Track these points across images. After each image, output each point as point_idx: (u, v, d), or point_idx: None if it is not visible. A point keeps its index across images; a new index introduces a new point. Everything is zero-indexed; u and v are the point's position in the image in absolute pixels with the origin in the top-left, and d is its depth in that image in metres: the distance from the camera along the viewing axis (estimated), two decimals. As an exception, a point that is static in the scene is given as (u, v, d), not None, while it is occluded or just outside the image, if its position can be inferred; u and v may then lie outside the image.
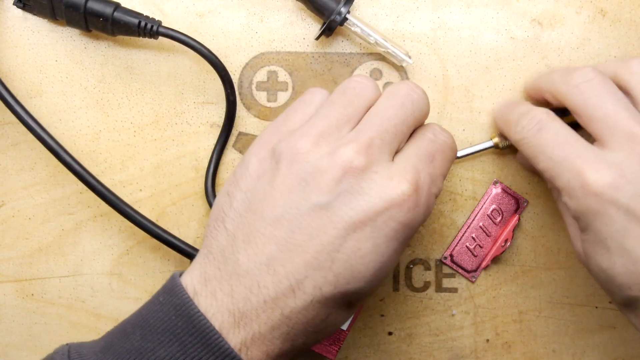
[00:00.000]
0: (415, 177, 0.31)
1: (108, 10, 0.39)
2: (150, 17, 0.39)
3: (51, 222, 0.42)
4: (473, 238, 0.42)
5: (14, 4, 0.40)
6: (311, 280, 0.30)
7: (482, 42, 0.42)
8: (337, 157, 0.31)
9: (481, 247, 0.42)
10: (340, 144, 0.31)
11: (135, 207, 0.40)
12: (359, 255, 0.30)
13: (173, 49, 0.42)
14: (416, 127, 0.35)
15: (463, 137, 0.42)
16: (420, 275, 0.43)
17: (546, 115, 0.35)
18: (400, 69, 0.42)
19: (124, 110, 0.42)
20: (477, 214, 0.42)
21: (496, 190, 0.42)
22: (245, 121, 0.42)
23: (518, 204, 0.42)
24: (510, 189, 0.42)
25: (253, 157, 0.33)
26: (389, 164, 0.32)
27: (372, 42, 0.40)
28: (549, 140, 0.34)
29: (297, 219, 0.30)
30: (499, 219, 0.42)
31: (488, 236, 0.42)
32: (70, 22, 0.39)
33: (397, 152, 0.33)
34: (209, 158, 0.42)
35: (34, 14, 0.41)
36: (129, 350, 0.30)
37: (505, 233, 0.42)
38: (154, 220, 0.41)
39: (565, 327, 0.43)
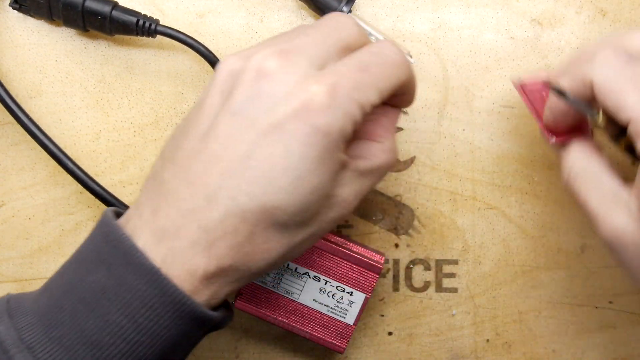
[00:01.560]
0: (333, 80, 0.29)
1: (106, 8, 0.39)
2: (149, 15, 0.39)
3: (51, 222, 0.42)
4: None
5: (9, 5, 0.40)
6: (225, 190, 0.28)
7: (482, 42, 0.42)
8: (252, 60, 0.30)
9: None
10: (257, 50, 0.30)
11: (135, 207, 0.40)
12: (272, 162, 0.28)
13: (173, 48, 0.42)
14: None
15: (463, 137, 0.42)
16: (420, 275, 0.43)
17: (630, 52, 0.32)
18: (400, 69, 0.42)
19: (124, 110, 0.42)
20: None
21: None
22: (245, 121, 0.42)
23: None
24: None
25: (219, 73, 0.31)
26: (307, 70, 0.29)
27: (373, 41, 0.40)
28: (632, 77, 0.31)
29: (214, 128, 0.29)
30: None
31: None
32: (68, 21, 0.39)
33: None
34: (209, 158, 0.42)
35: (30, 15, 0.41)
36: (61, 284, 0.30)
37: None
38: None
39: (565, 327, 0.43)
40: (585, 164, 0.35)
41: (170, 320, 0.29)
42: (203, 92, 0.31)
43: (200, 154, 0.29)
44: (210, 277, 0.29)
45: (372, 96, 0.30)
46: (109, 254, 0.29)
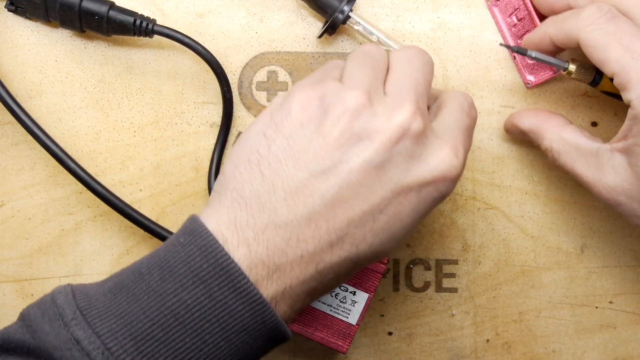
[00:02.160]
0: (462, 151, 0.31)
1: (103, 9, 0.39)
2: (145, 15, 0.39)
3: (51, 222, 0.42)
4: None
5: (5, 7, 0.40)
6: (350, 238, 0.29)
7: (482, 42, 0.42)
8: (395, 117, 0.30)
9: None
10: (394, 105, 0.30)
11: (135, 207, 0.40)
12: (399, 219, 0.30)
13: (173, 48, 0.42)
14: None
15: (463, 137, 0.42)
16: (420, 275, 0.43)
17: (614, 8, 0.34)
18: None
19: (124, 110, 0.42)
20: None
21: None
22: (245, 121, 0.42)
23: None
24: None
25: (296, 104, 0.31)
26: (435, 131, 0.31)
27: (374, 40, 0.40)
28: (625, 28, 0.33)
29: (347, 174, 0.29)
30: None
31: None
32: (64, 22, 0.39)
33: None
34: (209, 158, 0.42)
35: (26, 17, 0.41)
36: (146, 291, 0.28)
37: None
38: (154, 220, 0.41)
39: (565, 327, 0.43)
40: (561, 139, 0.37)
41: (262, 343, 0.29)
42: (319, 119, 0.30)
43: (327, 196, 0.29)
44: (303, 305, 0.31)
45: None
46: (209, 273, 0.28)
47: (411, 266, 0.43)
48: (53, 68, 0.42)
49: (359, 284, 0.38)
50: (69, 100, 0.42)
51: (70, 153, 0.40)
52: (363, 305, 0.39)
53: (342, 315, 0.39)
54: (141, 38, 0.41)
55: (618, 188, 0.34)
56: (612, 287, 0.43)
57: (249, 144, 0.31)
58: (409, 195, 0.30)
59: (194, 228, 0.29)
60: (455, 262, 0.43)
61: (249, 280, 0.28)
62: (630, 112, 0.34)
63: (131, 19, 0.39)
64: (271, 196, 0.29)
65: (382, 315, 0.43)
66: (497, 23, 0.41)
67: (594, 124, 0.42)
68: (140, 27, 0.39)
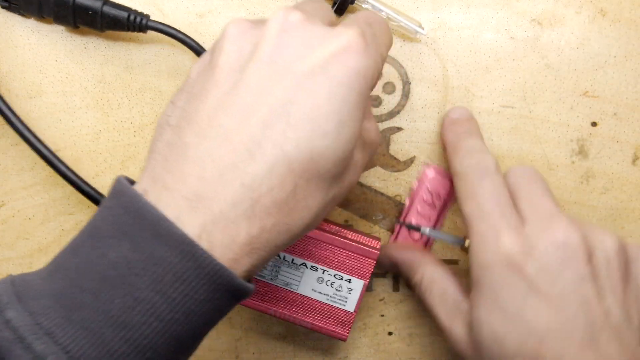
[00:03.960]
0: (359, 28, 0.29)
1: (97, 4, 0.39)
2: (139, 11, 0.39)
3: (51, 222, 0.42)
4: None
5: None
6: (269, 140, 0.27)
7: (482, 42, 0.42)
8: (273, 17, 0.29)
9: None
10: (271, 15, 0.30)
11: (135, 207, 0.40)
12: (317, 106, 0.27)
13: (173, 48, 0.42)
14: None
15: (463, 137, 0.42)
16: (420, 275, 0.43)
17: (494, 166, 0.37)
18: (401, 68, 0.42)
19: (124, 110, 0.42)
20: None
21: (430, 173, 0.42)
22: (245, 121, 0.42)
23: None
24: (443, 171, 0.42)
25: (194, 67, 0.31)
26: (325, 25, 0.30)
27: (384, 17, 0.40)
28: (486, 190, 0.36)
29: (243, 80, 0.28)
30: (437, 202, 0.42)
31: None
32: (58, 18, 0.39)
33: None
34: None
35: (20, 14, 0.41)
36: (76, 263, 0.27)
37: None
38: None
39: (565, 327, 0.43)
40: (431, 277, 0.38)
41: (206, 294, 0.26)
42: (206, 57, 0.30)
43: (229, 108, 0.27)
44: (252, 243, 0.27)
45: (384, 51, 0.31)
46: (131, 226, 0.26)
47: (411, 266, 0.43)
48: (53, 68, 0.42)
49: (354, 272, 0.38)
50: (69, 100, 0.42)
51: (70, 153, 0.40)
52: (359, 292, 0.39)
53: (339, 303, 0.39)
54: (140, 37, 0.41)
55: (463, 343, 0.36)
56: (612, 287, 0.43)
57: (161, 116, 0.31)
58: (315, 78, 0.27)
59: (118, 188, 0.28)
60: (456, 262, 0.43)
61: (168, 220, 0.26)
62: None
63: (125, 14, 0.39)
64: (179, 135, 0.28)
65: (382, 315, 0.43)
66: (412, 194, 0.42)
67: (594, 124, 0.42)
68: (134, 23, 0.39)
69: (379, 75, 0.30)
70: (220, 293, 0.27)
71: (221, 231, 0.26)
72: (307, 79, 0.28)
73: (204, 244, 0.26)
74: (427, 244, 0.42)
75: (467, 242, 0.38)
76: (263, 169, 0.27)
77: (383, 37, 0.32)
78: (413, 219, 0.41)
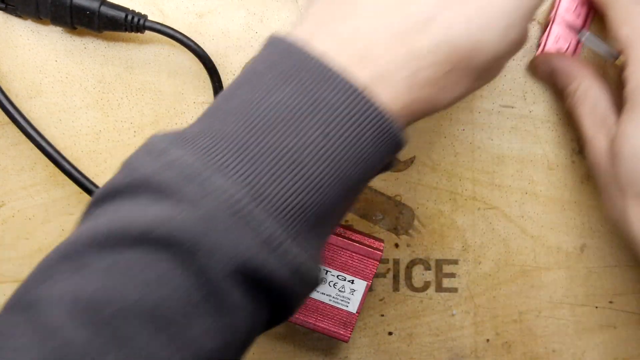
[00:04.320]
0: None
1: (95, 4, 0.39)
2: (137, 11, 0.39)
3: (51, 222, 0.42)
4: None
5: None
6: (441, 20, 0.27)
7: (482, 42, 0.42)
8: None
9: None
10: None
11: (135, 207, 0.40)
12: (491, 3, 0.28)
13: (173, 48, 0.42)
14: None
15: (463, 137, 0.42)
16: (420, 275, 0.43)
17: None
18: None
19: (124, 110, 0.42)
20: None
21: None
22: (245, 121, 0.42)
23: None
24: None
25: None
26: None
27: None
28: None
29: None
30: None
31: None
32: (55, 19, 0.39)
33: None
34: (209, 158, 0.42)
35: (17, 15, 0.41)
36: (237, 105, 0.26)
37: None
38: (154, 220, 0.41)
39: (565, 327, 0.43)
40: (587, 88, 0.38)
41: (373, 139, 0.27)
42: None
43: None
44: (408, 106, 0.28)
45: None
46: (297, 69, 0.26)
47: (411, 266, 0.43)
48: (53, 68, 0.42)
49: (357, 273, 0.39)
50: (69, 100, 0.42)
51: (70, 153, 0.40)
52: (362, 293, 0.39)
53: (342, 304, 0.39)
54: (140, 37, 0.41)
55: (603, 157, 0.36)
56: (612, 287, 0.43)
57: None
58: None
59: (274, 39, 0.28)
60: (455, 262, 0.43)
61: (339, 70, 0.26)
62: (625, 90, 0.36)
63: (122, 15, 0.39)
64: None
65: (382, 315, 0.43)
66: (551, 17, 0.41)
67: (594, 124, 0.42)
68: (132, 23, 0.39)
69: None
70: (384, 140, 0.27)
71: (383, 88, 0.27)
72: None
73: (366, 94, 0.27)
74: (574, 54, 0.41)
75: (620, 59, 0.37)
76: (428, 44, 0.27)
77: None
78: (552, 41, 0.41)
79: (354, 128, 0.26)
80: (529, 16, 0.29)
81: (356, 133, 0.26)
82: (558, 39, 0.41)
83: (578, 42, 0.41)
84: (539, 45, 0.41)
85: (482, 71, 0.29)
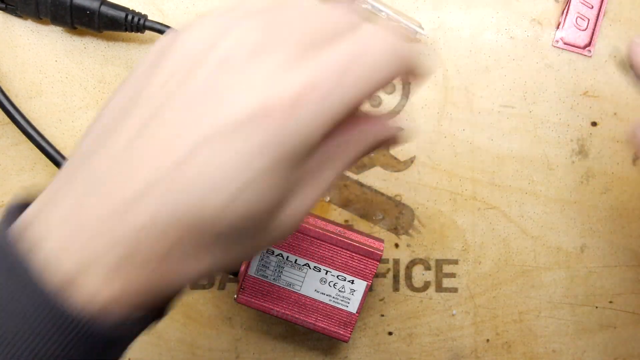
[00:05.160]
0: (308, 79, 0.24)
1: (95, 4, 0.39)
2: (137, 11, 0.40)
3: (51, 222, 0.42)
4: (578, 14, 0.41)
5: None
6: (160, 187, 0.23)
7: (482, 42, 0.42)
8: (226, 37, 0.25)
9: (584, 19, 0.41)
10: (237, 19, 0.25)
11: (135, 207, 0.40)
12: (214, 166, 0.23)
13: (173, 49, 0.42)
14: None
15: (463, 137, 0.42)
16: (420, 275, 0.43)
17: None
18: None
19: (124, 110, 0.42)
20: None
21: None
22: (245, 121, 0.42)
23: None
24: None
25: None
26: (289, 55, 0.24)
27: (383, 17, 0.40)
28: None
29: (159, 117, 0.24)
30: None
31: (590, 8, 0.41)
32: (55, 18, 0.39)
33: None
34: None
35: (17, 15, 0.41)
36: None
37: None
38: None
39: (565, 327, 0.43)
40: None
41: (60, 344, 0.24)
42: (159, 53, 0.26)
43: (116, 156, 0.25)
44: (131, 289, 0.25)
45: (355, 98, 0.25)
46: (2, 263, 0.24)
47: (411, 266, 0.43)
48: (53, 68, 0.42)
49: (357, 273, 0.38)
50: (69, 100, 0.42)
51: (70, 153, 0.40)
52: (362, 293, 0.39)
53: (342, 304, 0.39)
54: (140, 37, 0.41)
55: None
56: (612, 287, 0.43)
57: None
58: (223, 139, 0.23)
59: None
60: (455, 262, 0.43)
61: (33, 266, 0.24)
62: None
63: (123, 14, 0.39)
64: (81, 162, 0.25)
65: (382, 315, 0.43)
66: None
67: (594, 124, 0.42)
68: (132, 23, 0.39)
69: (321, 135, 0.25)
70: (81, 338, 0.24)
71: (91, 278, 0.24)
72: (216, 137, 0.23)
73: (75, 288, 0.24)
74: (593, 33, 0.41)
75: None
76: (146, 218, 0.24)
77: (355, 85, 0.25)
78: None
79: (42, 336, 0.24)
80: (276, 170, 0.24)
81: (40, 340, 0.24)
82: (576, 18, 0.41)
83: (596, 21, 0.41)
84: (557, 25, 0.41)
85: (234, 237, 0.25)
